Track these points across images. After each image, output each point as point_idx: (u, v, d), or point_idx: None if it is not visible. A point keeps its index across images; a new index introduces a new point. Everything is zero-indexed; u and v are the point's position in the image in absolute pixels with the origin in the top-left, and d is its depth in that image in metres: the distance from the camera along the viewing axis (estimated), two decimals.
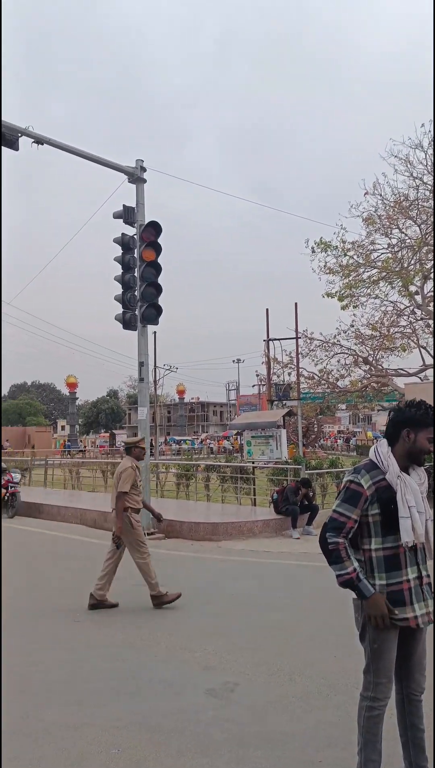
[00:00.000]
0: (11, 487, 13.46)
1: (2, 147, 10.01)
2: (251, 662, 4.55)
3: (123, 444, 8.64)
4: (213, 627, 5.53)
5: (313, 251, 18.01)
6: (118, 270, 11.37)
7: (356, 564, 2.60)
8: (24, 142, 10.37)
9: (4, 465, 14.51)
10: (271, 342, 19.81)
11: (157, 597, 6.11)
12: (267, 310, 17.86)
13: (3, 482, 13.51)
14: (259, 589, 7.02)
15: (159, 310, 11.42)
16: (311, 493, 11.31)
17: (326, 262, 18.03)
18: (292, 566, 8.06)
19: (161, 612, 6.03)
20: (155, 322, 11.48)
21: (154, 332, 27.35)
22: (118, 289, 11.36)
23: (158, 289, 11.36)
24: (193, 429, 78.15)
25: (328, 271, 18.06)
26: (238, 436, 39.68)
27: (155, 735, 3.45)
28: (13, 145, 10.17)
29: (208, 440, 51.11)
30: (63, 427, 73.27)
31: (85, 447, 51.63)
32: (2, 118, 10.03)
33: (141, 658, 4.73)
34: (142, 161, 11.65)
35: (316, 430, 31.86)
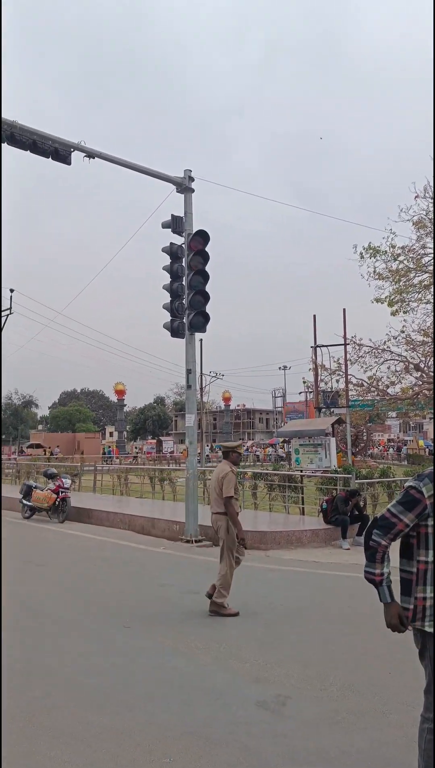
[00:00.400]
0: (62, 493, 13.75)
1: (57, 162, 10.30)
2: (302, 676, 4.46)
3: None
4: (262, 638, 5.46)
5: (362, 257, 17.73)
6: (166, 279, 11.53)
7: (387, 570, 2.61)
8: (74, 156, 10.66)
9: (55, 470, 14.86)
10: (318, 348, 19.60)
11: (218, 606, 6.11)
12: (314, 316, 17.71)
13: (54, 487, 13.83)
14: (310, 600, 6.90)
15: (207, 318, 11.49)
16: (362, 503, 11.07)
17: (375, 268, 17.71)
18: (343, 577, 7.88)
19: (209, 620, 6.00)
20: (203, 329, 11.54)
21: (201, 339, 27.48)
22: (166, 298, 11.51)
23: (206, 297, 11.43)
24: (238, 436, 78.01)
25: (377, 276, 17.72)
26: (285, 444, 39.34)
27: (207, 746, 3.42)
28: (66, 160, 10.46)
29: (254, 448, 50.86)
30: (111, 434, 74.45)
31: (138, 453, 52.24)
32: (54, 134, 10.35)
33: (190, 667, 4.71)
34: (190, 171, 11.78)
35: (365, 438, 31.22)
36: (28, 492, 14.37)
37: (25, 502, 14.37)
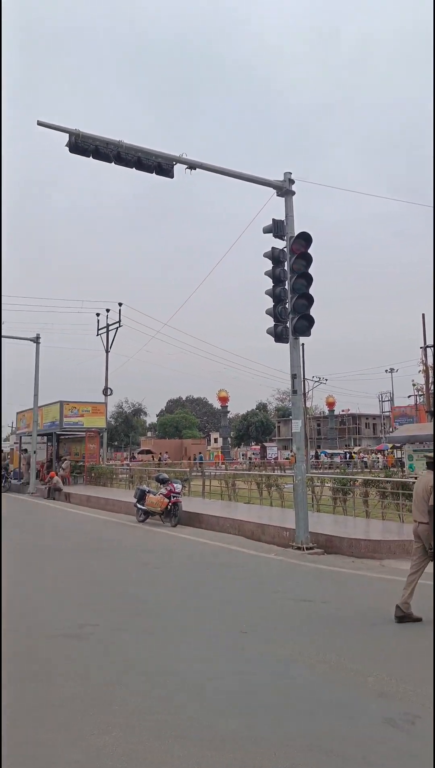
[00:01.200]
0: (173, 497, 14.12)
1: (159, 176, 10.67)
2: (428, 694, 4.18)
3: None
4: (385, 651, 5.22)
5: None
6: (266, 285, 11.52)
7: None
8: (176, 169, 10.98)
9: (166, 475, 15.31)
10: (428, 349, 18.60)
11: (406, 613, 6.05)
12: (423, 315, 16.87)
13: (166, 492, 14.24)
14: (429, 613, 6.49)
15: (311, 322, 11.31)
16: None
17: None
18: None
19: (326, 629, 5.85)
20: (307, 333, 11.37)
21: (302, 344, 27.22)
22: (267, 304, 11.50)
23: (310, 300, 11.26)
24: (344, 442, 76.05)
25: None
26: (395, 450, 37.72)
27: (332, 759, 3.30)
28: (169, 173, 10.80)
29: (362, 454, 49.31)
30: (215, 440, 75.69)
31: (252, 457, 52.52)
32: (158, 150, 10.73)
33: (310, 676, 4.60)
34: (290, 173, 11.70)
35: None
36: (141, 496, 14.93)
37: (139, 506, 14.94)
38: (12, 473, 30.30)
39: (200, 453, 48.37)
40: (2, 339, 27.23)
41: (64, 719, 3.84)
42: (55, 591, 7.63)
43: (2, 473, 29.37)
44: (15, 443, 36.86)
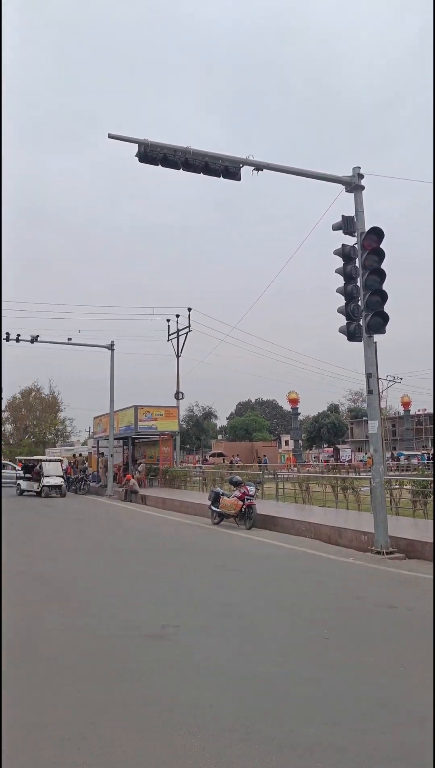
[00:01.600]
0: (247, 500, 14.09)
1: (226, 179, 10.71)
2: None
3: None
4: None
5: None
6: (334, 283, 11.30)
7: None
8: (243, 171, 10.98)
9: (240, 478, 15.31)
10: None
11: None
12: None
13: (239, 494, 14.24)
14: None
15: (385, 319, 10.96)
16: None
17: None
18: None
19: (410, 638, 5.61)
20: (382, 330, 11.03)
21: (376, 342, 26.51)
22: (337, 303, 11.26)
23: (383, 297, 10.92)
24: (421, 443, 73.23)
25: None
26: None
27: None
28: (236, 176, 10.83)
29: None
30: (286, 442, 75.03)
31: (328, 459, 51.67)
32: (224, 154, 10.78)
33: (398, 687, 4.42)
34: (359, 168, 11.42)
35: None
36: (216, 499, 15.01)
37: (213, 508, 15.03)
38: (90, 476, 31.35)
39: (265, 456, 47.97)
40: (77, 345, 28.38)
41: (150, 719, 3.88)
42: (135, 591, 7.79)
43: (81, 476, 30.48)
44: (92, 447, 38.13)
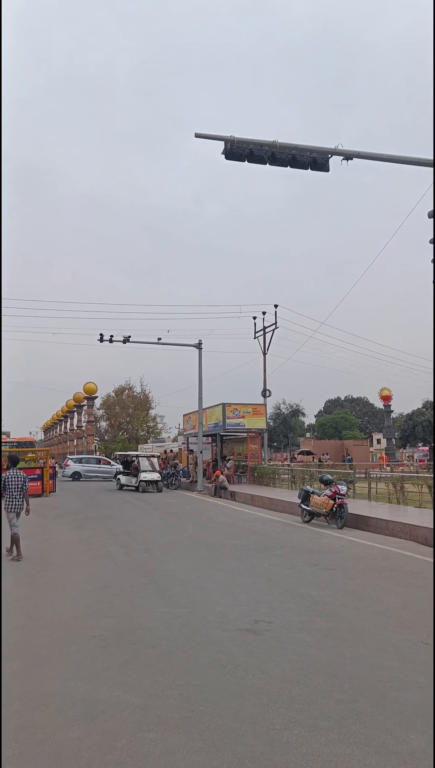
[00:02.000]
0: (339, 499, 13.80)
1: (314, 171, 10.53)
2: None
3: None
4: None
5: None
6: (426, 274, 10.72)
7: None
8: (331, 162, 10.74)
9: (331, 477, 15.02)
10: None
11: None
12: None
13: (330, 493, 13.97)
14: None
15: None
16: None
17: None
18: None
19: None
20: None
21: None
22: (431, 294, 10.71)
23: None
24: None
25: None
26: None
27: None
28: (324, 167, 10.63)
29: None
30: (378, 441, 72.69)
31: (420, 461, 49.68)
32: (312, 145, 10.60)
33: None
34: None
35: None
36: (306, 497, 14.82)
37: (303, 506, 14.86)
38: (181, 472, 32.08)
39: (349, 455, 46.66)
40: (166, 345, 29.04)
41: (248, 711, 3.91)
42: (228, 586, 7.86)
43: (172, 472, 31.26)
44: (182, 444, 38.97)
